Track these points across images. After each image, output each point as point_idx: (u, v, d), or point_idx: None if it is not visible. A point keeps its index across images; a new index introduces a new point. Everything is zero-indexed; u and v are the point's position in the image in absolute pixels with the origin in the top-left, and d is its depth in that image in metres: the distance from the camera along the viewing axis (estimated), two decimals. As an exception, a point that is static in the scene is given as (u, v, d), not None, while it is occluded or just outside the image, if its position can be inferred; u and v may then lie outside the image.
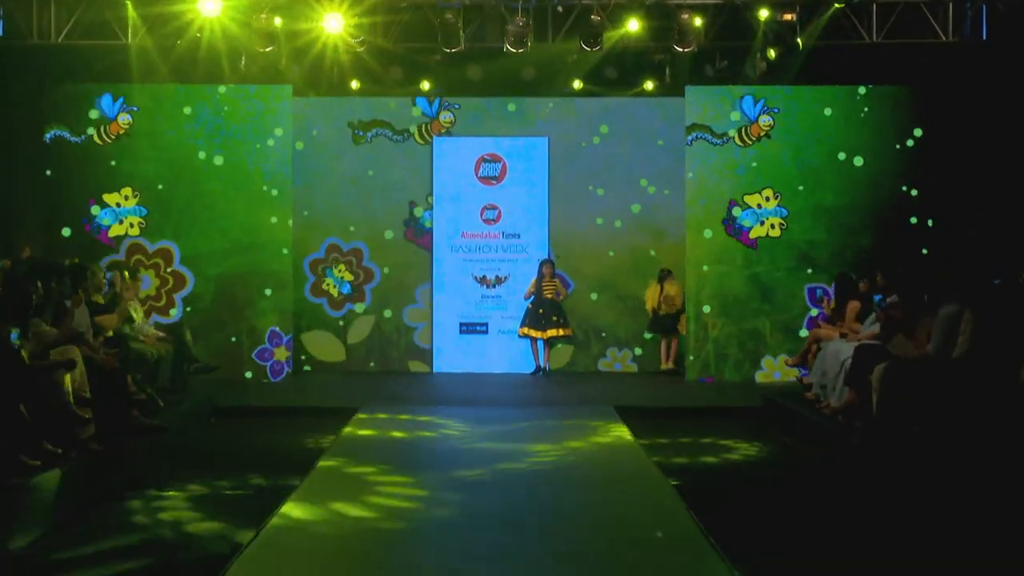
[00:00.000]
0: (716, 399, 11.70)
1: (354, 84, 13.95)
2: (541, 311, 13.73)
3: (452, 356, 14.39)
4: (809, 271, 13.19)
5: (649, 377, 13.87)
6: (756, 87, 13.32)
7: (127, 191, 13.05)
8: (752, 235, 13.13)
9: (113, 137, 13.09)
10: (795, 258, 13.23)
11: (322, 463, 8.02)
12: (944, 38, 12.64)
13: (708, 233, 13.23)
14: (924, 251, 12.96)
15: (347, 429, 9.56)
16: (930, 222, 13.06)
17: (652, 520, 6.52)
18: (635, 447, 8.69)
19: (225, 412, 10.62)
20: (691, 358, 13.24)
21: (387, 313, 14.32)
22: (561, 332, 13.78)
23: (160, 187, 13.09)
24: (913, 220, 13.08)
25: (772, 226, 13.18)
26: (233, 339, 13.10)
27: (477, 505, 6.84)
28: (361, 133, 14.35)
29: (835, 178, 13.23)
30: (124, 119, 13.10)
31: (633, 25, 12.55)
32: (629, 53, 13.60)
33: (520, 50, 12.68)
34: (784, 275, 13.24)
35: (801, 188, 13.22)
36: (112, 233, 13.01)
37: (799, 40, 12.58)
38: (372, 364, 14.25)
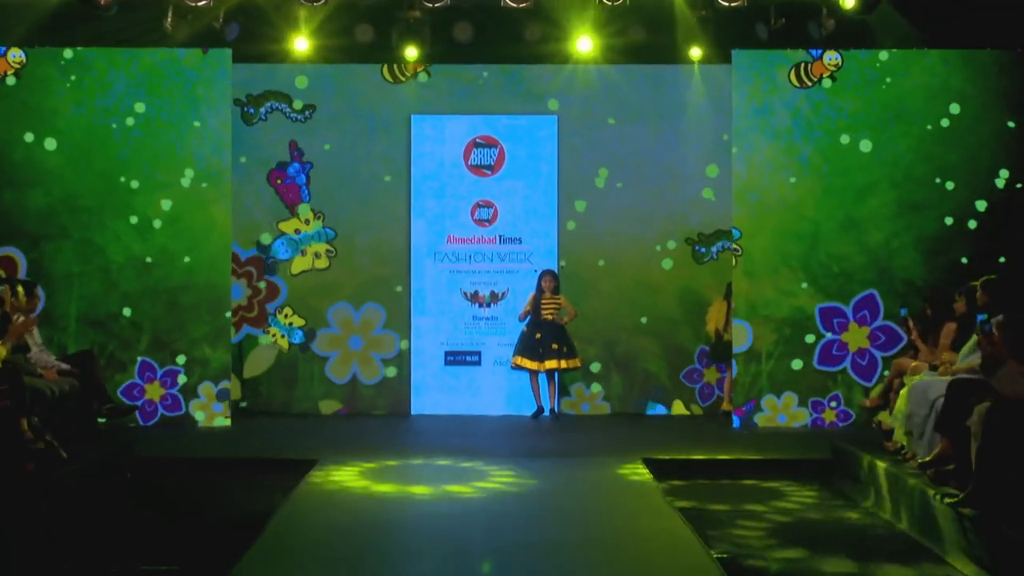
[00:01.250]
0: (774, 449, 11.65)
1: (302, 45, 13.83)
2: (538, 336, 13.70)
3: (435, 394, 14.39)
4: (891, 287, 13.20)
5: (673, 420, 13.96)
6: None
7: None
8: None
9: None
10: (874, 270, 13.23)
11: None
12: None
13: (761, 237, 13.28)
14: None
15: (298, 490, 9.54)
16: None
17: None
18: (676, 521, 8.58)
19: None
20: (737, 397, 13.27)
21: (290, 339, 14.38)
22: (564, 364, 13.73)
23: (59, 178, 13.10)
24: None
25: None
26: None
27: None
28: (252, 111, 14.33)
29: (922, 167, 13.23)
30: (15, 56, 13.06)
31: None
32: (661, 8, 13.60)
33: (522, 5, 12.69)
34: (860, 290, 13.25)
35: (879, 180, 13.22)
36: None
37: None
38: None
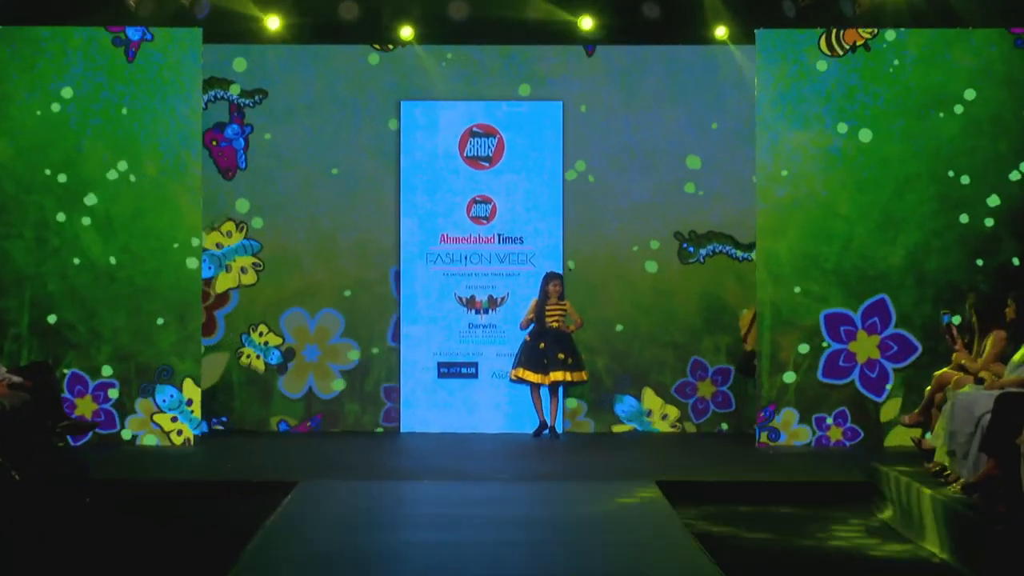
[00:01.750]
0: (800, 471, 11.66)
1: (273, 23, 13.78)
2: (542, 346, 13.65)
3: (426, 410, 14.39)
4: (937, 292, 13.17)
5: (687, 439, 13.99)
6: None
7: None
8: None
9: None
10: (911, 275, 13.19)
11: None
12: None
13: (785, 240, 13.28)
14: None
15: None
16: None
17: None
18: (696, 552, 8.47)
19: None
20: (761, 413, 13.27)
21: (265, 359, 14.41)
22: (570, 377, 13.66)
23: (9, 171, 13.05)
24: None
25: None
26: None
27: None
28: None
29: (966, 159, 13.19)
30: None
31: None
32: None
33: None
34: (895, 294, 13.24)
35: (920, 173, 13.18)
36: None
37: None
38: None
